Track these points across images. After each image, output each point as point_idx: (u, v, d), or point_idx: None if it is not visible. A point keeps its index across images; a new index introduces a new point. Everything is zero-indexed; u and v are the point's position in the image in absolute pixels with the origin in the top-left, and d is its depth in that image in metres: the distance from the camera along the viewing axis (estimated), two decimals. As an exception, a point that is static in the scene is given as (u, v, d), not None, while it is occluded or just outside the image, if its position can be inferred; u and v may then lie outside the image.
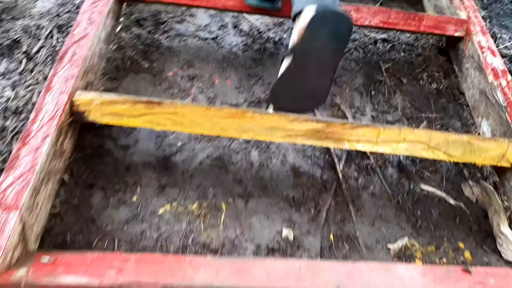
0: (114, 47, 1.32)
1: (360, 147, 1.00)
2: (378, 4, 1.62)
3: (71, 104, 0.95)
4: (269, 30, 1.46)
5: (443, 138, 1.01)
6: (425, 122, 1.26)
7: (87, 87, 1.06)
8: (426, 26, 1.30)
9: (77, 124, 1.01)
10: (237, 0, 1.27)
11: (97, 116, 0.96)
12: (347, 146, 1.00)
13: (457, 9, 1.38)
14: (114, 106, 0.96)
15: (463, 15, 1.35)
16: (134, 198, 1.00)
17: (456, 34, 1.31)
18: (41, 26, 1.35)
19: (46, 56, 1.26)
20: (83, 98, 0.96)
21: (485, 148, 1.02)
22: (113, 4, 1.21)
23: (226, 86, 1.28)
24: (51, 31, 1.33)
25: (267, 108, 1.19)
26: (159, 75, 1.27)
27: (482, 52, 1.22)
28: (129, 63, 1.28)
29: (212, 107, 0.97)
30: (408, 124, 1.26)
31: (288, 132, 0.99)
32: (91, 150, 1.07)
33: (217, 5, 1.27)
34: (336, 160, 1.14)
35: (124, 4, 1.36)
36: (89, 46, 1.05)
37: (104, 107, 0.96)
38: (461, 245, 1.05)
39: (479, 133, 1.24)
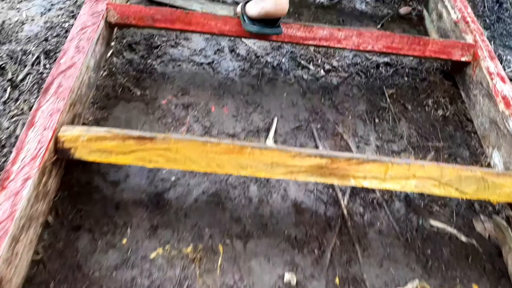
0: (104, 74, 1.25)
1: (367, 184, 0.93)
2: (379, 26, 1.57)
3: (56, 140, 0.88)
4: (267, 54, 1.40)
5: (455, 173, 0.95)
6: (432, 152, 1.20)
7: (74, 120, 0.99)
8: (431, 51, 1.25)
9: (62, 161, 0.94)
10: (234, 25, 1.21)
11: (84, 153, 0.89)
12: (353, 183, 0.93)
13: (462, 32, 1.33)
14: (102, 143, 0.89)
15: (469, 39, 1.29)
16: (124, 241, 0.93)
17: (463, 59, 1.26)
18: (28, 51, 1.28)
19: (32, 84, 1.19)
20: (69, 134, 0.89)
21: (499, 184, 0.95)
22: (104, 30, 1.15)
23: (222, 114, 1.21)
24: (38, 57, 1.27)
25: (265, 140, 1.13)
26: (152, 103, 1.20)
27: (491, 79, 1.17)
28: (120, 90, 1.22)
29: (208, 142, 0.91)
30: (414, 154, 1.19)
31: (290, 169, 0.92)
32: (78, 187, 0.99)
33: (213, 30, 1.21)
34: (340, 194, 1.07)
35: (116, 28, 1.30)
36: (77, 76, 0.99)
37: (92, 144, 0.89)
38: (475, 287, 0.98)
39: (489, 163, 1.17)
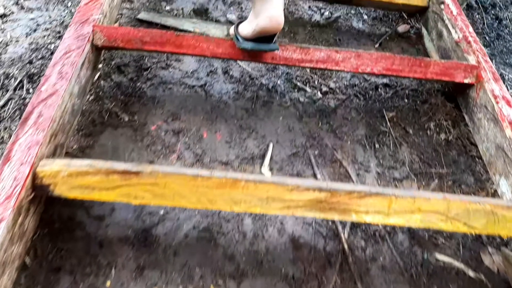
0: (91, 98, 1.19)
1: (370, 219, 0.87)
2: (377, 45, 1.52)
3: (34, 176, 0.82)
4: (262, 76, 1.35)
5: (462, 207, 0.89)
6: (436, 180, 1.14)
7: (55, 151, 0.92)
8: (433, 73, 1.20)
9: (41, 198, 0.87)
10: (227, 47, 1.16)
11: (64, 190, 0.82)
12: (354, 218, 0.87)
13: (464, 53, 1.28)
14: (84, 178, 0.82)
15: (471, 59, 1.25)
16: (108, 283, 0.86)
17: (466, 81, 1.21)
18: (11, 75, 1.22)
19: (14, 110, 1.13)
20: (48, 169, 0.82)
21: (510, 218, 0.89)
22: (89, 53, 1.09)
23: (215, 141, 1.15)
24: (21, 81, 1.20)
25: (260, 168, 1.07)
26: (140, 129, 1.14)
27: (497, 102, 1.12)
28: (107, 116, 1.15)
29: (198, 176, 0.84)
30: (417, 181, 1.14)
31: (287, 203, 0.86)
32: (59, 223, 0.93)
33: (205, 53, 1.15)
34: (340, 227, 1.01)
35: (104, 50, 1.25)
36: (59, 104, 0.92)
37: (73, 179, 0.82)
38: (486, 327, 0.92)
39: (495, 191, 1.12)
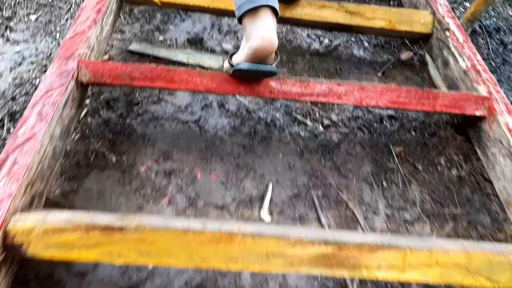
0: (76, 137, 1.11)
1: (382, 275, 0.78)
2: (380, 74, 1.45)
3: (5, 235, 0.73)
4: (259, 109, 1.27)
5: (484, 259, 0.79)
6: (450, 223, 1.05)
7: (32, 202, 0.84)
8: (442, 105, 1.12)
9: (14, 258, 0.78)
10: (222, 81, 1.08)
11: (38, 249, 0.73)
12: (365, 274, 0.78)
13: (473, 82, 1.20)
14: (61, 235, 0.73)
15: (482, 90, 1.17)
16: None
17: (477, 113, 1.13)
18: (-9, 113, 1.14)
19: (-8, 152, 1.04)
20: (21, 225, 0.73)
21: (538, 271, 0.80)
22: (74, 91, 1.02)
23: (210, 182, 1.07)
24: (1, 120, 1.12)
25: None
26: (129, 171, 1.06)
27: (512, 137, 1.04)
28: (93, 157, 1.07)
29: (189, 231, 0.75)
30: (430, 224, 1.05)
31: (290, 259, 0.77)
32: (36, 283, 0.83)
33: (198, 88, 1.07)
34: (348, 281, 0.91)
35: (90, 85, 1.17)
36: (37, 149, 0.84)
37: (49, 237, 0.73)
38: None
39: (515, 233, 1.03)
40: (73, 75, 1.01)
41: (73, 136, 1.11)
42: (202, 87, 1.08)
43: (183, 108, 1.24)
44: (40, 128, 0.87)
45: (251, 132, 1.20)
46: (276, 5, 0.98)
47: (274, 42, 0.95)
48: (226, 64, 1.11)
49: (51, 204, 0.96)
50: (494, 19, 1.87)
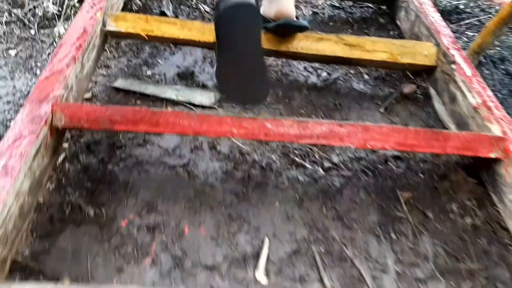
0: (51, 187, 1.00)
1: None
2: (383, 110, 1.36)
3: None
4: (254, 150, 1.17)
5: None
6: (467, 280, 0.94)
7: (-10, 273, 0.72)
8: (453, 147, 1.02)
9: None
10: (213, 123, 0.99)
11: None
12: None
13: (485, 120, 1.11)
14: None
15: (495, 129, 1.08)
16: None
17: (492, 156, 1.04)
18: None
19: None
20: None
21: None
22: (47, 138, 0.92)
23: (199, 237, 0.96)
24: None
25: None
26: (108, 226, 0.95)
27: (533, 184, 0.94)
28: (69, 210, 0.96)
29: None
30: (445, 281, 0.93)
31: None
32: None
33: (186, 131, 0.98)
34: None
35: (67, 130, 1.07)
36: (-2, 211, 0.73)
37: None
38: None
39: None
40: (46, 121, 0.91)
41: (48, 185, 1.00)
42: (190, 130, 0.98)
43: (171, 151, 1.14)
44: (4, 185, 0.77)
45: (245, 177, 1.10)
46: None
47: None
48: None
49: (18, 268, 0.85)
50: (498, 48, 1.80)
